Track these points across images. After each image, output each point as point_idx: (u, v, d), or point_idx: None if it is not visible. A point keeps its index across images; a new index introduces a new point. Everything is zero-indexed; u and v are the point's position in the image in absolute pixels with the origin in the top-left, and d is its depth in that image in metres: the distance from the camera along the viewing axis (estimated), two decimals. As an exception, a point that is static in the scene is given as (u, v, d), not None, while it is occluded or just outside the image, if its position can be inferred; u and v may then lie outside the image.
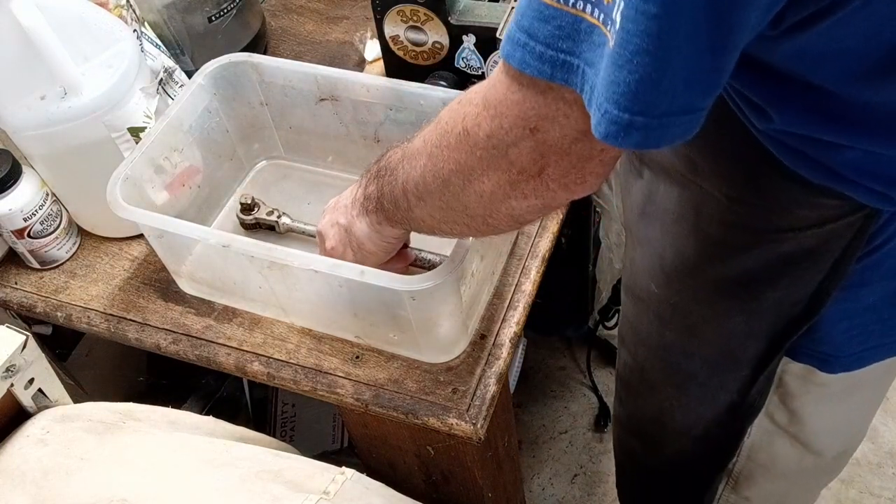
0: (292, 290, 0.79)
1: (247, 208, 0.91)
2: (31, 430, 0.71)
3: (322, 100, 0.89)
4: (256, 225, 0.91)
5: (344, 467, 0.72)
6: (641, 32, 0.42)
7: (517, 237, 0.87)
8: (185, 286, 0.88)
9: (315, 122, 0.92)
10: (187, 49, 1.03)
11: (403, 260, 0.81)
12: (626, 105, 0.45)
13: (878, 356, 0.77)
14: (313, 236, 0.89)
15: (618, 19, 0.43)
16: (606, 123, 0.46)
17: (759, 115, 0.61)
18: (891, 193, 0.62)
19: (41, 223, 0.88)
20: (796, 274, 0.71)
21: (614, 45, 0.44)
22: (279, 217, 0.90)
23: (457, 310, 0.75)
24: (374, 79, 0.86)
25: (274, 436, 1.20)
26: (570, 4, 0.46)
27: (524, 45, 0.49)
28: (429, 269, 0.80)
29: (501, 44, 0.52)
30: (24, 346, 0.68)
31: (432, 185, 0.61)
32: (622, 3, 0.43)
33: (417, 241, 0.88)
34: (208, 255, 0.82)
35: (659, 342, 0.88)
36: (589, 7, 0.45)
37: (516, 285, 0.84)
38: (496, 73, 0.54)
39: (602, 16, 0.45)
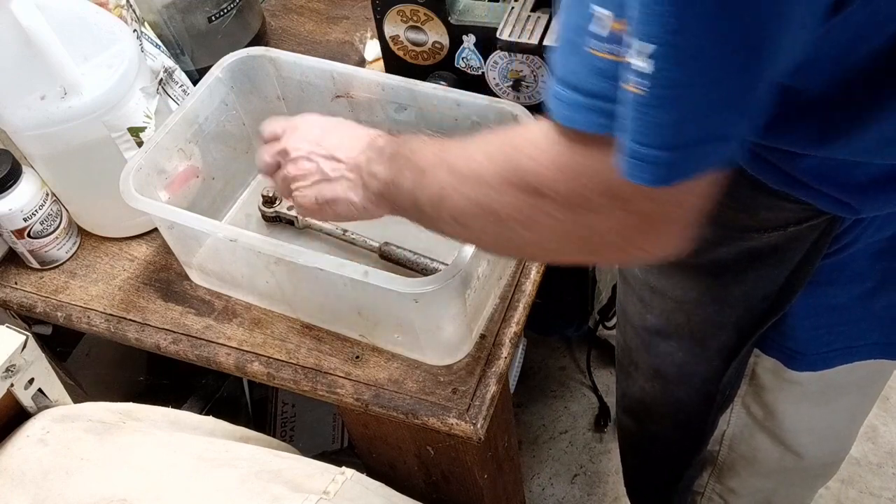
0: (298, 287, 0.80)
1: (268, 201, 0.92)
2: (31, 430, 0.71)
3: (338, 96, 0.89)
4: (277, 218, 0.92)
5: (344, 467, 0.72)
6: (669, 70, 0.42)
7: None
8: (196, 277, 0.88)
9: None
10: (187, 49, 1.03)
11: None
12: (652, 141, 0.44)
13: (846, 358, 0.78)
14: (331, 234, 0.89)
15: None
16: (634, 163, 0.45)
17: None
18: (850, 201, 0.63)
19: (41, 223, 0.88)
20: (763, 269, 0.72)
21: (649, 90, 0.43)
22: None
23: (461, 314, 0.75)
24: (389, 77, 0.86)
25: (274, 436, 1.20)
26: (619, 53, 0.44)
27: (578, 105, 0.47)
28: (429, 273, 0.80)
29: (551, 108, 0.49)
30: (24, 346, 0.68)
31: (482, 220, 0.57)
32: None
33: (418, 245, 0.88)
34: (217, 248, 0.82)
35: (641, 324, 0.90)
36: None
37: (516, 285, 0.84)
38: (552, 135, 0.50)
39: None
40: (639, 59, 0.42)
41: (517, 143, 0.54)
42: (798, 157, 0.60)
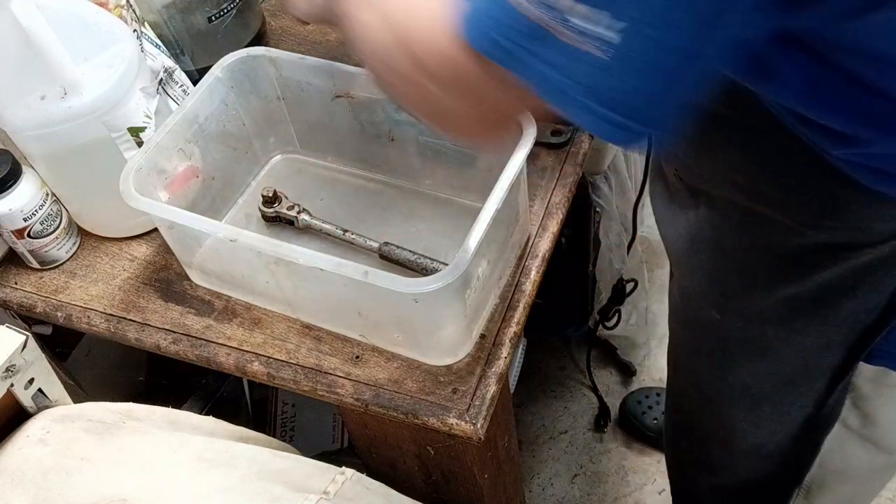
0: (298, 287, 0.80)
1: (268, 201, 0.91)
2: (31, 430, 0.71)
3: (338, 96, 0.89)
4: (277, 218, 0.92)
5: (344, 467, 0.72)
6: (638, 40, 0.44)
7: (525, 243, 0.87)
8: (196, 277, 0.88)
9: (331, 118, 0.92)
10: (187, 49, 1.03)
11: None
12: (619, 109, 0.46)
13: None
14: (331, 234, 0.89)
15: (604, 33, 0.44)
16: (602, 125, 0.47)
17: (837, 140, 0.61)
18: None
19: (41, 223, 0.88)
20: (872, 283, 0.71)
21: (603, 57, 0.44)
22: (299, 213, 0.90)
23: (461, 314, 0.75)
24: None
25: (274, 436, 1.20)
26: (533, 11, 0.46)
27: (484, 28, 0.49)
28: (429, 273, 0.80)
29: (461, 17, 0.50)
30: (24, 346, 0.68)
31: (380, 70, 0.57)
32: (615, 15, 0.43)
33: (418, 245, 0.88)
34: (217, 248, 0.82)
35: (723, 367, 0.87)
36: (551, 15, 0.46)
37: (516, 285, 0.84)
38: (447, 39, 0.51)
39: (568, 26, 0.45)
40: (607, 31, 0.43)
41: (418, 24, 0.53)
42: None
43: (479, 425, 0.75)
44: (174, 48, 1.02)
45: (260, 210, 0.92)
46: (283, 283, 0.80)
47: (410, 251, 0.86)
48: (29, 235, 0.87)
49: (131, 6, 0.92)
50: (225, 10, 1.02)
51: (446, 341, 0.77)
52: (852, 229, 0.68)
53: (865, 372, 0.80)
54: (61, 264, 0.92)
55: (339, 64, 0.88)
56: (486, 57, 0.49)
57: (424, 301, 0.71)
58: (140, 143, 0.85)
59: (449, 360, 0.79)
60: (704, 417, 0.98)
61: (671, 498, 1.25)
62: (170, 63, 0.95)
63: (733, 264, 0.79)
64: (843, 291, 0.73)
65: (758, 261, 0.76)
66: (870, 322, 0.74)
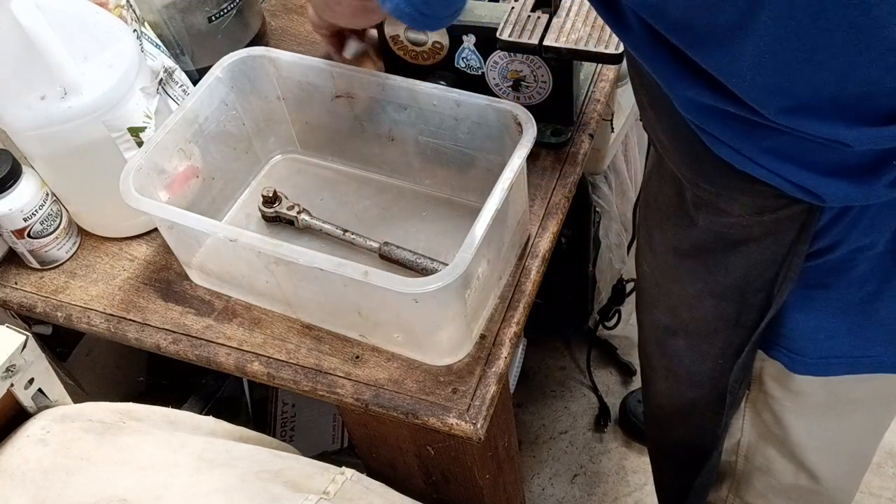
0: (298, 287, 0.80)
1: (268, 201, 0.91)
2: (31, 430, 0.71)
3: (338, 96, 0.89)
4: (277, 218, 0.92)
5: (344, 467, 0.72)
6: None
7: (525, 243, 0.87)
8: (196, 277, 0.88)
9: (331, 118, 0.92)
10: (187, 49, 1.03)
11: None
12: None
13: (850, 368, 0.77)
14: (331, 234, 0.89)
15: None
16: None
17: (669, 90, 0.64)
18: (816, 189, 0.63)
19: (41, 223, 0.88)
20: (749, 259, 0.73)
21: None
22: (299, 213, 0.90)
23: (461, 314, 0.75)
24: (389, 77, 0.86)
25: (274, 436, 1.20)
26: None
27: None
28: (429, 273, 0.80)
29: None
30: (24, 346, 0.68)
31: None
32: None
33: (418, 245, 0.88)
34: (217, 248, 0.82)
35: (652, 322, 0.92)
36: None
37: (516, 285, 0.84)
38: None
39: None
40: None
41: None
42: (756, 135, 0.61)
43: (479, 425, 0.75)
44: (174, 48, 1.02)
45: (260, 210, 0.92)
46: (283, 283, 0.80)
47: (410, 251, 0.86)
48: (29, 235, 0.87)
49: (131, 6, 0.92)
50: (225, 10, 1.02)
51: (446, 341, 0.77)
52: (721, 195, 0.70)
53: (769, 368, 0.82)
54: (61, 264, 0.92)
55: (338, 64, 0.88)
56: None
57: (424, 301, 0.71)
58: (140, 143, 0.85)
59: (449, 360, 0.79)
60: (647, 373, 1.02)
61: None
62: (170, 63, 0.95)
63: (658, 216, 0.83)
64: (717, 260, 0.76)
65: (669, 214, 0.80)
66: (757, 303, 0.76)
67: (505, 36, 0.87)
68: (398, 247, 0.86)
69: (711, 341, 0.83)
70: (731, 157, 0.64)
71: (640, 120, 0.87)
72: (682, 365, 0.90)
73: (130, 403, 0.76)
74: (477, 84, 0.95)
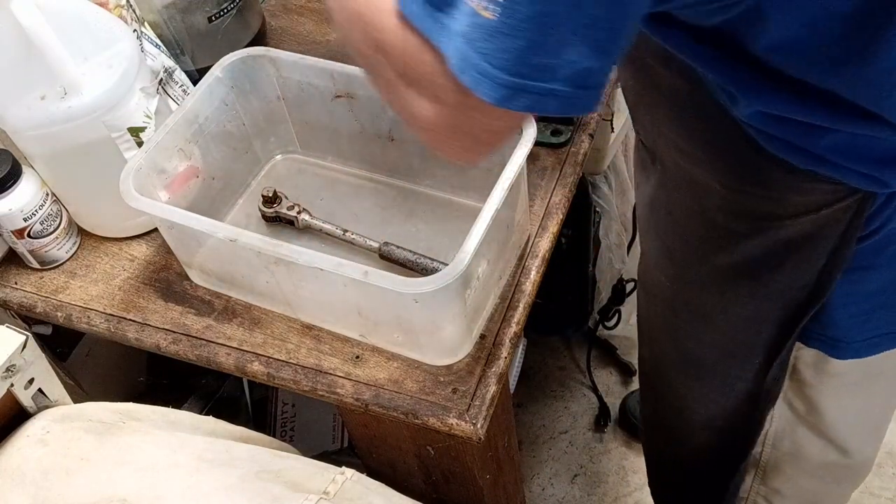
0: (298, 287, 0.80)
1: (268, 201, 0.91)
2: (31, 430, 0.71)
3: (338, 96, 0.89)
4: (277, 218, 0.92)
5: (344, 467, 0.72)
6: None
7: (525, 243, 0.87)
8: (196, 277, 0.88)
9: (331, 118, 0.92)
10: (187, 49, 1.03)
11: None
12: (516, 70, 0.46)
13: (890, 344, 0.76)
14: (331, 234, 0.89)
15: None
16: (496, 88, 0.47)
17: (733, 101, 0.62)
18: (881, 176, 0.63)
19: (41, 223, 0.88)
20: (798, 259, 0.72)
21: (500, 17, 0.45)
22: (299, 213, 0.90)
23: (461, 314, 0.75)
24: None
25: (274, 436, 1.20)
26: None
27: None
28: (429, 273, 0.80)
29: None
30: (24, 346, 0.68)
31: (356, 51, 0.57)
32: None
33: (418, 245, 0.88)
34: (217, 248, 0.82)
35: (672, 333, 0.89)
36: None
37: (516, 285, 0.84)
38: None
39: None
40: None
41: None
42: (821, 134, 0.60)
43: (479, 425, 0.75)
44: (174, 48, 1.02)
45: (260, 210, 0.92)
46: (283, 283, 0.80)
47: (410, 251, 0.86)
48: (29, 235, 0.87)
49: (131, 6, 0.92)
50: (225, 10, 1.02)
51: (446, 341, 0.77)
52: (772, 199, 0.68)
53: (805, 356, 0.81)
54: (61, 264, 0.92)
55: (339, 64, 0.88)
56: (408, 18, 0.49)
57: (424, 301, 0.71)
58: (140, 143, 0.85)
59: (449, 360, 0.79)
60: (660, 385, 0.99)
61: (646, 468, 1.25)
62: (170, 63, 0.95)
63: (678, 228, 0.80)
64: (770, 266, 0.74)
65: (696, 226, 0.77)
66: (801, 299, 0.75)
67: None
68: (398, 247, 0.86)
69: (747, 344, 0.82)
70: (794, 156, 0.63)
71: (639, 134, 0.84)
72: (710, 373, 0.88)
73: (130, 403, 0.76)
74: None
